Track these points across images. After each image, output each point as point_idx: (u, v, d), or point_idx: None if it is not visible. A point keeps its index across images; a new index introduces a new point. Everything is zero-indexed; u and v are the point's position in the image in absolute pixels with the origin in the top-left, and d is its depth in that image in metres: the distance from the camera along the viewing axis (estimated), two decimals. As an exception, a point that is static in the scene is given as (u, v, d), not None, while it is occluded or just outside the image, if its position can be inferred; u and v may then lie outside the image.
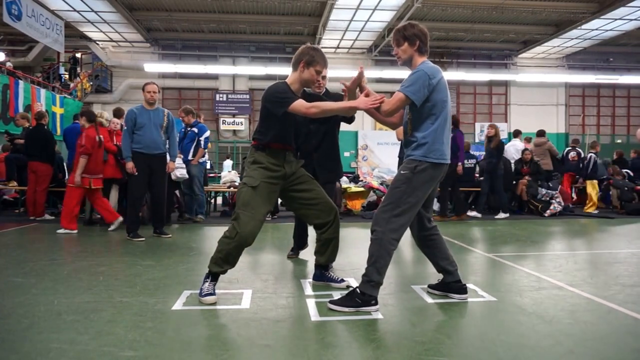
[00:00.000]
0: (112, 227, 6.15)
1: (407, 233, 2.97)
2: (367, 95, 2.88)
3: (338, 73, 15.37)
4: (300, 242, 4.47)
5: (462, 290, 3.06)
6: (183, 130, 7.38)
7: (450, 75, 19.13)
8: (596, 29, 17.41)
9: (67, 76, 18.56)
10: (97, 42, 19.04)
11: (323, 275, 3.41)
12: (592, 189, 9.43)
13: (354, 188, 8.83)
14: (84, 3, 14.95)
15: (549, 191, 8.73)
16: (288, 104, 2.90)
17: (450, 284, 3.08)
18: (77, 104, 16.25)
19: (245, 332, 2.44)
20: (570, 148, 10.49)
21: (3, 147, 9.67)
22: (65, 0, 14.71)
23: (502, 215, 8.25)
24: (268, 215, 6.39)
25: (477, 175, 9.18)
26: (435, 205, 7.57)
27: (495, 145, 8.24)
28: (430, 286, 3.23)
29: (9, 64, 15.03)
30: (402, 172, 2.84)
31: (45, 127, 7.72)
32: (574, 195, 10.89)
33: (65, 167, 8.25)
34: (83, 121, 6.14)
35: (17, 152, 8.53)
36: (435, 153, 2.80)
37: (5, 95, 11.84)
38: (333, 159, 4.05)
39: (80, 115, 6.33)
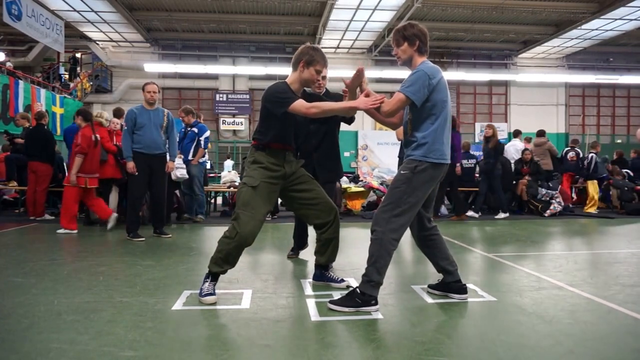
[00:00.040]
0: (109, 226, 6.13)
1: (407, 233, 2.97)
2: (367, 96, 2.88)
3: (338, 73, 15.38)
4: (300, 242, 4.47)
5: (462, 290, 3.06)
6: (183, 130, 7.38)
7: (450, 75, 19.13)
8: (596, 29, 17.41)
9: (67, 76, 18.56)
10: (97, 42, 19.04)
11: (323, 275, 3.41)
12: (593, 188, 9.44)
13: (354, 188, 8.83)
14: (84, 3, 14.95)
15: (549, 191, 8.73)
16: (288, 104, 2.90)
17: (450, 284, 3.08)
18: (77, 104, 16.24)
19: (245, 332, 2.44)
20: (569, 148, 10.49)
21: (3, 147, 9.67)
22: (65, 0, 14.71)
23: (502, 215, 8.26)
24: (268, 215, 6.39)
25: (477, 175, 9.18)
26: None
27: (493, 146, 8.24)
28: (430, 286, 3.23)
29: (9, 64, 15.03)
30: (402, 172, 2.84)
31: (45, 127, 7.73)
32: (574, 195, 10.90)
33: (66, 167, 8.25)
34: (79, 120, 6.14)
35: (17, 152, 8.53)
36: (436, 153, 2.80)
37: (5, 95, 11.84)
38: (333, 159, 4.05)
39: (76, 114, 6.33)
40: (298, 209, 3.29)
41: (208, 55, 19.72)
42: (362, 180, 9.77)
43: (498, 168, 8.35)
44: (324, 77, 3.85)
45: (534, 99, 21.60)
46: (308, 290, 3.27)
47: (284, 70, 18.26)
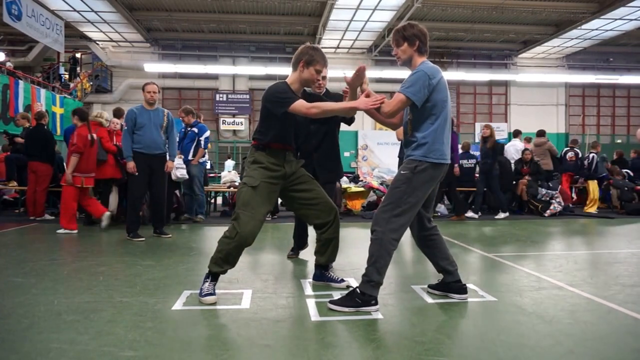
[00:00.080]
0: (103, 224, 6.11)
1: (407, 233, 2.97)
2: (367, 96, 2.88)
3: (338, 73, 15.39)
4: (300, 242, 4.47)
5: (462, 290, 3.06)
6: (183, 130, 7.38)
7: (450, 75, 19.13)
8: (596, 29, 17.41)
9: (67, 76, 18.55)
10: (97, 42, 19.04)
11: (323, 275, 3.41)
12: (594, 188, 9.44)
13: (354, 188, 8.83)
14: (84, 3, 14.95)
15: (549, 191, 8.73)
16: (288, 104, 2.90)
17: (450, 284, 3.08)
18: (77, 104, 16.23)
19: (245, 332, 2.44)
20: (568, 148, 10.49)
21: (3, 147, 9.68)
22: (65, 0, 14.71)
23: (501, 215, 8.26)
24: (268, 215, 6.39)
25: (477, 175, 9.18)
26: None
27: (490, 146, 8.24)
28: (430, 286, 3.23)
29: (9, 64, 15.03)
30: (402, 172, 2.84)
31: (45, 127, 7.73)
32: (574, 195, 10.90)
33: (65, 167, 8.25)
34: (75, 120, 6.15)
35: (17, 152, 8.54)
36: (436, 153, 2.80)
37: (5, 95, 11.84)
38: (333, 159, 4.05)
39: (72, 114, 6.34)
40: (298, 209, 3.29)
41: (208, 55, 19.72)
42: (362, 180, 9.78)
43: (496, 168, 8.35)
44: (324, 77, 3.85)
45: (534, 99, 21.60)
46: (308, 290, 3.27)
47: (284, 70, 18.25)
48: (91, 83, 18.72)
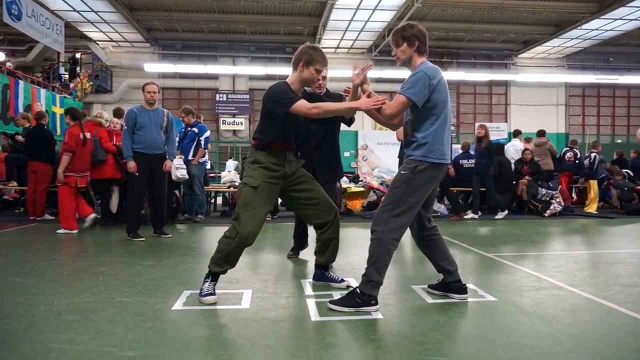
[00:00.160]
0: (86, 225, 6.08)
1: (407, 233, 2.97)
2: (368, 96, 2.89)
3: (338, 73, 15.42)
4: (300, 242, 4.47)
5: (462, 290, 3.06)
6: (183, 130, 7.38)
7: (450, 75, 19.12)
8: (596, 29, 17.40)
9: (67, 76, 18.55)
10: (97, 42, 19.03)
11: (323, 275, 3.41)
12: (594, 188, 9.44)
13: (354, 188, 8.83)
14: (84, 3, 14.94)
15: (549, 191, 8.73)
16: (290, 104, 2.90)
17: (451, 284, 3.08)
18: (77, 104, 16.24)
19: (245, 332, 2.44)
20: (567, 148, 10.49)
21: (3, 147, 9.68)
22: (65, 0, 14.70)
23: (500, 215, 8.25)
24: (268, 215, 6.39)
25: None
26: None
27: (485, 146, 8.23)
28: (430, 286, 3.23)
29: (9, 64, 15.03)
30: (402, 172, 2.85)
31: (45, 127, 7.73)
32: (573, 195, 10.90)
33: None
34: (68, 119, 6.15)
35: (17, 152, 8.54)
36: (436, 153, 2.80)
37: (5, 95, 11.83)
38: (333, 159, 4.05)
39: (65, 113, 6.34)
40: (298, 209, 3.29)
41: (208, 55, 19.71)
42: (362, 180, 9.77)
43: (491, 168, 8.34)
44: (324, 77, 3.86)
45: (534, 99, 21.59)
46: (308, 290, 3.27)
47: (284, 70, 18.24)
48: (91, 83, 18.71)
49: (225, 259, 2.93)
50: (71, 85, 17.80)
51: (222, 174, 10.48)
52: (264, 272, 3.86)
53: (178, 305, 2.88)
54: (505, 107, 21.94)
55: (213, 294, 2.95)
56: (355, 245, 5.19)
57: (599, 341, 2.35)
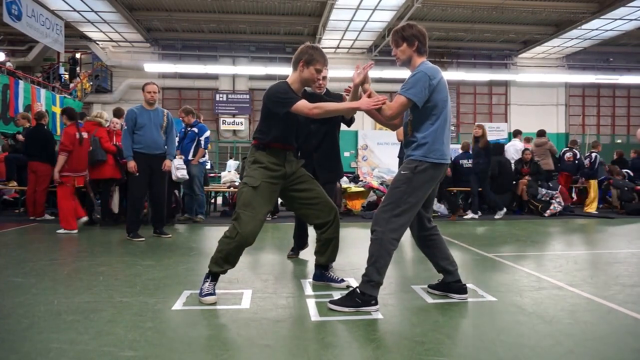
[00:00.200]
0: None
1: (407, 233, 2.97)
2: (369, 96, 2.89)
3: (338, 73, 15.43)
4: (300, 242, 4.47)
5: (462, 290, 3.06)
6: (183, 130, 7.38)
7: (450, 75, 19.11)
8: (596, 29, 17.40)
9: (67, 76, 18.55)
10: (97, 42, 19.03)
11: (323, 275, 3.41)
12: (594, 188, 9.44)
13: (354, 188, 8.83)
14: (84, 3, 14.94)
15: (549, 191, 8.73)
16: (290, 104, 2.90)
17: (451, 284, 3.08)
18: (77, 104, 16.23)
19: (245, 332, 2.44)
20: (567, 149, 10.49)
21: (3, 147, 9.68)
22: (65, 0, 14.70)
23: (499, 214, 8.24)
24: (268, 215, 6.39)
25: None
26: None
27: (483, 145, 8.23)
28: (430, 286, 3.23)
29: (9, 64, 15.03)
30: (402, 172, 2.85)
31: (45, 127, 7.72)
32: (573, 195, 10.90)
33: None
34: (64, 119, 6.16)
35: (17, 152, 8.53)
36: (436, 153, 2.80)
37: (5, 95, 11.83)
38: (333, 159, 4.05)
39: (61, 113, 6.35)
40: (298, 209, 3.29)
41: (208, 55, 19.71)
42: (362, 180, 9.77)
43: (490, 168, 8.33)
44: (324, 78, 3.86)
45: (534, 99, 21.59)
46: (308, 290, 3.27)
47: (284, 70, 18.24)
48: (91, 83, 18.71)
49: (225, 258, 2.93)
50: (71, 85, 17.80)
51: (222, 174, 10.48)
52: (264, 272, 3.86)
53: (178, 305, 2.88)
54: (505, 107, 21.94)
55: (213, 294, 2.95)
56: (355, 245, 5.19)
57: (599, 341, 2.35)
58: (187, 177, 6.94)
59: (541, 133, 10.11)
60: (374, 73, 18.83)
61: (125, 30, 17.87)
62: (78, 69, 19.09)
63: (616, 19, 16.31)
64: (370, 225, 2.87)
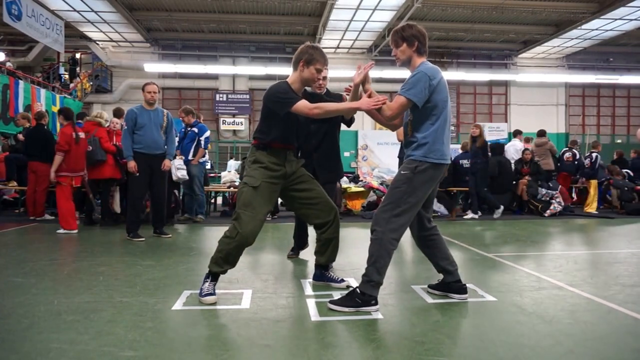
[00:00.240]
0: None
1: (407, 233, 2.97)
2: (369, 96, 2.89)
3: (338, 73, 15.42)
4: (300, 242, 4.47)
5: (462, 290, 3.06)
6: (183, 130, 7.38)
7: (450, 75, 19.11)
8: (596, 29, 17.40)
9: (67, 76, 18.55)
10: (97, 42, 19.03)
11: (323, 275, 3.41)
12: (594, 188, 9.44)
13: (354, 188, 8.83)
14: (84, 3, 14.94)
15: (549, 191, 8.73)
16: (291, 104, 2.90)
17: (451, 284, 3.08)
18: (77, 104, 16.24)
19: (245, 332, 2.44)
20: (567, 149, 10.49)
21: (3, 147, 9.68)
22: (65, 0, 14.70)
23: (496, 213, 8.22)
24: (268, 215, 6.39)
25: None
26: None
27: (480, 145, 8.23)
28: (430, 286, 3.23)
29: (9, 64, 15.03)
30: (402, 172, 2.85)
31: (45, 127, 7.72)
32: (573, 195, 10.89)
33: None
34: (60, 119, 6.16)
35: (16, 152, 8.53)
36: (436, 153, 2.80)
37: (5, 95, 11.83)
38: (333, 159, 4.05)
39: (57, 113, 6.35)
40: (298, 209, 3.29)
41: (208, 55, 19.71)
42: (362, 180, 9.77)
43: (491, 168, 8.33)
44: (324, 78, 3.86)
45: (534, 99, 21.59)
46: (308, 290, 3.27)
47: (284, 70, 18.24)
48: (91, 83, 18.72)
49: (225, 258, 2.93)
50: (71, 85, 17.80)
51: (222, 174, 10.47)
52: (264, 272, 3.86)
53: (178, 305, 2.88)
54: (505, 107, 21.94)
55: (213, 294, 2.95)
56: (355, 245, 5.19)
57: (599, 341, 2.35)
58: (187, 177, 6.94)
59: (541, 133, 10.11)
60: (374, 73, 18.82)
61: (125, 30, 17.87)
62: (78, 69, 19.09)
63: (616, 19, 16.31)
64: (370, 225, 2.87)
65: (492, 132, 20.09)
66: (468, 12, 16.30)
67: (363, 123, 19.84)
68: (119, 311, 2.75)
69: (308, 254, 4.27)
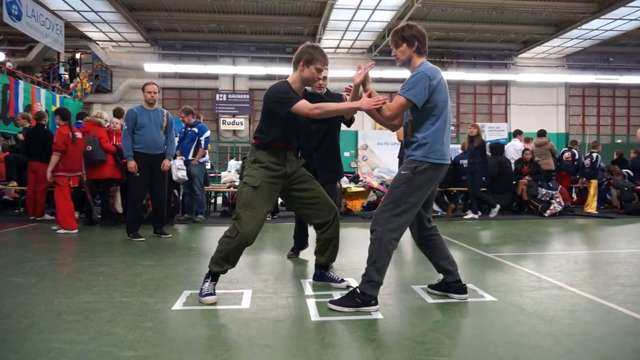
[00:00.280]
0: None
1: (407, 233, 2.97)
2: (369, 96, 2.89)
3: (338, 73, 15.43)
4: (300, 242, 4.47)
5: (462, 290, 3.06)
6: (183, 130, 7.38)
7: (450, 75, 19.12)
8: (596, 29, 17.40)
9: (67, 76, 18.55)
10: (97, 42, 19.03)
11: (323, 275, 3.41)
12: (594, 188, 9.44)
13: (354, 188, 8.83)
14: (84, 3, 14.95)
15: (549, 191, 8.73)
16: (291, 104, 2.90)
17: (451, 284, 3.08)
18: (77, 104, 16.25)
19: (245, 332, 2.44)
20: (566, 149, 10.49)
21: (3, 147, 9.68)
22: (65, 0, 14.70)
23: (493, 212, 8.22)
24: (268, 215, 6.40)
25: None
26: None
27: (478, 145, 8.23)
28: (430, 286, 3.23)
29: (9, 64, 15.03)
30: (402, 172, 2.85)
31: (45, 127, 7.72)
32: (573, 195, 10.89)
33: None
34: (57, 120, 6.17)
35: (16, 152, 8.53)
36: (436, 153, 2.80)
37: (5, 95, 11.84)
38: (333, 159, 4.05)
39: (55, 113, 6.37)
40: (298, 209, 3.29)
41: (208, 55, 19.71)
42: (362, 180, 9.77)
43: (483, 168, 8.33)
44: (324, 78, 3.86)
45: (534, 99, 21.59)
46: (308, 290, 3.27)
47: (284, 70, 18.24)
48: (91, 83, 18.72)
49: (225, 258, 2.93)
50: (71, 85, 17.80)
51: (222, 174, 10.48)
52: (264, 272, 3.86)
53: (178, 305, 2.88)
54: (505, 107, 21.94)
55: (213, 294, 2.95)
56: (355, 245, 5.19)
57: (599, 341, 2.35)
58: (187, 178, 6.94)
59: (542, 133, 10.11)
60: (374, 73, 18.81)
61: (125, 30, 17.87)
62: (78, 69, 19.09)
63: (616, 19, 16.31)
64: (370, 225, 2.87)
65: (492, 132, 20.10)
66: (468, 12, 16.31)
67: (363, 123, 19.84)
68: (119, 311, 2.75)
69: (308, 254, 4.27)
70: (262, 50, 20.12)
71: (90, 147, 6.33)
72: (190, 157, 7.18)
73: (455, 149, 12.61)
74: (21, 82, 12.71)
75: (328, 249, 3.28)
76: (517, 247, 5.31)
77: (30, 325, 2.51)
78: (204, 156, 7.46)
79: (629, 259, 4.57)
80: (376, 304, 2.78)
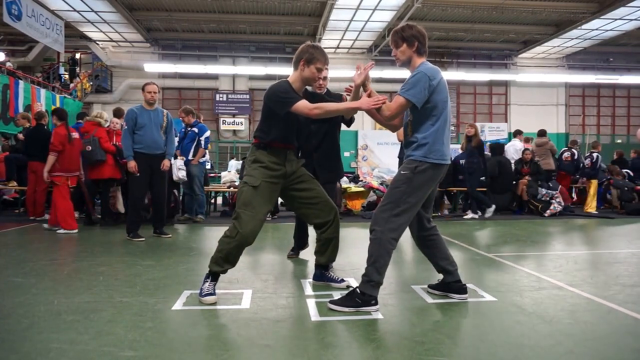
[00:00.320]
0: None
1: (407, 233, 2.97)
2: (369, 96, 2.89)
3: (338, 73, 15.42)
4: (300, 242, 4.47)
5: (462, 290, 3.06)
6: (183, 130, 7.38)
7: (450, 75, 19.11)
8: (596, 29, 17.40)
9: (67, 76, 18.55)
10: (97, 42, 19.03)
11: (323, 275, 3.41)
12: (594, 188, 9.44)
13: (354, 188, 8.83)
14: (84, 3, 14.94)
15: (549, 191, 8.73)
16: (291, 104, 2.90)
17: (451, 284, 3.08)
18: (77, 104, 16.24)
19: (245, 332, 2.44)
20: (566, 149, 10.49)
21: (3, 147, 9.69)
22: (65, 0, 14.70)
23: (488, 212, 8.21)
24: (268, 215, 6.39)
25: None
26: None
27: (475, 145, 8.23)
28: (430, 286, 3.23)
29: (9, 64, 15.02)
30: (402, 172, 2.85)
31: (45, 127, 7.72)
32: (573, 195, 10.89)
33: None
34: (54, 120, 6.18)
35: (16, 152, 8.53)
36: (436, 154, 2.80)
37: (5, 95, 11.83)
38: (333, 159, 4.05)
39: (52, 113, 6.37)
40: (298, 208, 3.29)
41: (208, 55, 19.71)
42: (362, 180, 9.77)
43: (481, 168, 8.33)
44: (325, 78, 3.86)
45: (534, 99, 21.59)
46: (308, 290, 3.27)
47: (284, 70, 18.24)
48: (91, 83, 18.72)
49: (225, 258, 2.93)
50: (71, 85, 17.80)
51: (222, 174, 10.47)
52: (264, 272, 3.86)
53: (178, 305, 2.88)
54: (505, 107, 21.94)
55: (213, 294, 2.95)
56: (355, 245, 5.19)
57: (599, 341, 2.35)
58: (186, 178, 6.93)
59: (542, 133, 10.11)
60: (374, 73, 18.81)
61: (125, 30, 17.87)
62: (78, 69, 19.09)
63: (616, 19, 16.31)
64: (369, 225, 2.87)
65: (492, 132, 20.10)
66: (468, 12, 16.31)
67: (363, 123, 19.84)
68: (119, 311, 2.75)
69: (308, 254, 4.27)
70: (262, 50, 20.12)
71: (90, 147, 6.33)
72: (190, 157, 7.18)
73: (455, 149, 12.61)
74: (21, 82, 12.71)
75: (328, 249, 3.28)
76: (517, 247, 5.31)
77: (30, 325, 2.51)
78: (204, 156, 7.45)
79: (629, 259, 4.57)
80: (376, 304, 2.78)
